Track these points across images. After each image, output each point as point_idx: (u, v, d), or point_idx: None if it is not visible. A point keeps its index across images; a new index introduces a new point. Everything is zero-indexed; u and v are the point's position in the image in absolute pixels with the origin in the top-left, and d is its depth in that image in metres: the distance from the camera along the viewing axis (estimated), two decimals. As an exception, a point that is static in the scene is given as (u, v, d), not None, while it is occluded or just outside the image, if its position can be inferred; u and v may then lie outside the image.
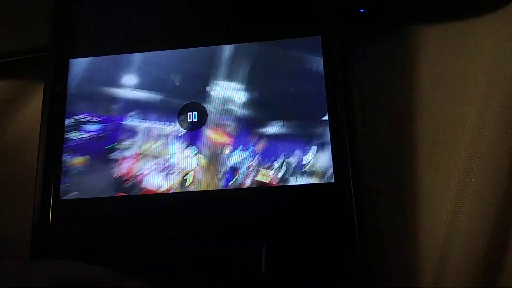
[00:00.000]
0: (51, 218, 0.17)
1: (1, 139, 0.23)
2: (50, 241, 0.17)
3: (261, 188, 0.16)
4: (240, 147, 0.17)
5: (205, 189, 0.17)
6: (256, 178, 0.17)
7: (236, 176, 0.17)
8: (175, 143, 0.17)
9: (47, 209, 0.17)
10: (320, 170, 0.16)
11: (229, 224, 0.16)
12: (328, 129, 0.16)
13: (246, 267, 0.16)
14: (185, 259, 0.16)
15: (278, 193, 0.16)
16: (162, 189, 0.17)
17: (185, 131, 0.17)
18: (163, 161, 0.17)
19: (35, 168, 0.18)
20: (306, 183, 0.16)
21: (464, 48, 0.20)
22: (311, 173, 0.16)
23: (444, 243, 0.17)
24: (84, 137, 0.18)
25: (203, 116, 0.17)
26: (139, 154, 0.17)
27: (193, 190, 0.17)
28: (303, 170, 0.16)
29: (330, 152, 0.16)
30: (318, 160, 0.16)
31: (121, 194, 0.17)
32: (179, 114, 0.17)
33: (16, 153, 0.22)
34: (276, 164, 0.16)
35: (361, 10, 0.19)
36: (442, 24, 0.21)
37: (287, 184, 0.16)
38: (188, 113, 0.17)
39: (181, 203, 0.17)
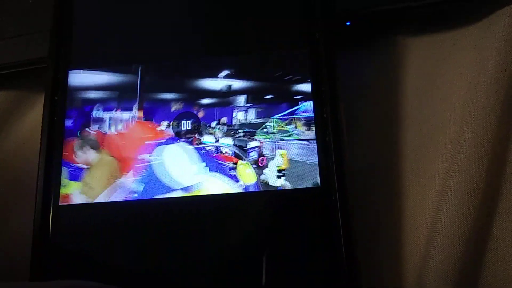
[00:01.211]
0: (51, 224, 0.17)
1: (1, 147, 0.23)
2: (51, 249, 0.17)
3: (247, 193, 0.17)
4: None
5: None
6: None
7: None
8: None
9: (47, 215, 0.18)
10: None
11: (213, 232, 0.17)
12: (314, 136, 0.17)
13: (240, 278, 0.16)
14: (183, 267, 0.17)
15: (264, 198, 0.17)
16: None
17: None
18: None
19: (33, 174, 0.18)
20: (294, 187, 0.17)
21: (445, 58, 0.21)
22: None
23: (426, 243, 0.18)
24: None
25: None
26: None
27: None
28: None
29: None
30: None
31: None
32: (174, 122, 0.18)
33: (15, 160, 0.23)
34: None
35: (348, 23, 0.20)
36: (425, 35, 0.21)
37: (274, 189, 0.17)
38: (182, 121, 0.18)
39: (185, 208, 0.17)
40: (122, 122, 0.19)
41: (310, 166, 0.17)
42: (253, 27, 0.19)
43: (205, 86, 0.18)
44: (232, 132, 0.18)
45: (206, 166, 0.18)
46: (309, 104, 0.18)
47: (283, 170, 0.17)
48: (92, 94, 0.19)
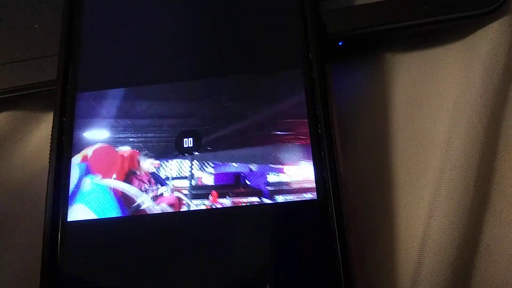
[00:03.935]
0: (60, 241, 0.18)
1: (9, 164, 0.24)
2: (60, 268, 0.18)
3: (240, 207, 0.17)
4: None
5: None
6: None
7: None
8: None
9: (56, 232, 0.18)
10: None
11: (212, 246, 0.17)
12: (310, 150, 0.18)
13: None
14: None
15: (259, 211, 0.17)
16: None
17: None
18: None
19: (40, 190, 0.19)
20: (288, 200, 0.17)
21: (434, 73, 0.22)
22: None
23: (419, 250, 0.19)
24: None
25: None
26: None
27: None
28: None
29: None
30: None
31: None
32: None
33: (22, 177, 0.24)
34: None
35: (340, 43, 0.21)
36: (415, 51, 0.23)
37: (268, 202, 0.17)
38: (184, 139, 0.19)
39: (198, 223, 0.18)
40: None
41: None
42: (247, 50, 0.20)
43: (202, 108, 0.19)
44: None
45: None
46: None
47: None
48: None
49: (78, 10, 0.21)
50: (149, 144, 0.19)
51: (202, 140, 0.19)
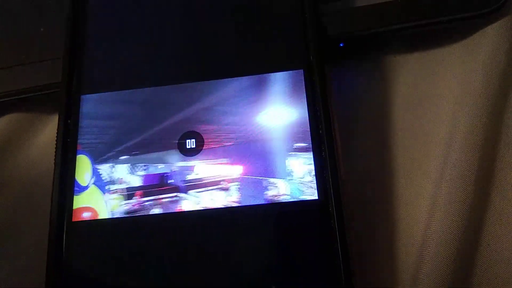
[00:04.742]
0: (65, 241, 0.18)
1: (15, 165, 0.25)
2: (65, 268, 0.18)
3: (240, 207, 0.18)
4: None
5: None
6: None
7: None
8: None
9: (61, 232, 0.18)
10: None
11: (216, 247, 0.17)
12: (311, 150, 0.18)
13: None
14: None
15: (260, 211, 0.18)
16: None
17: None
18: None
19: (44, 191, 0.19)
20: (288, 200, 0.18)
21: (435, 73, 0.22)
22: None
23: (420, 249, 0.19)
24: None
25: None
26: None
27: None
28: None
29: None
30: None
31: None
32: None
33: (27, 178, 0.24)
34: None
35: (341, 45, 0.21)
36: (416, 52, 0.23)
37: (268, 203, 0.18)
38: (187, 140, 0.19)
39: (200, 223, 0.18)
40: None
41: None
42: (245, 50, 0.20)
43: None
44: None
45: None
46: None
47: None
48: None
49: (82, 13, 0.22)
50: (151, 145, 0.19)
51: (204, 141, 0.19)
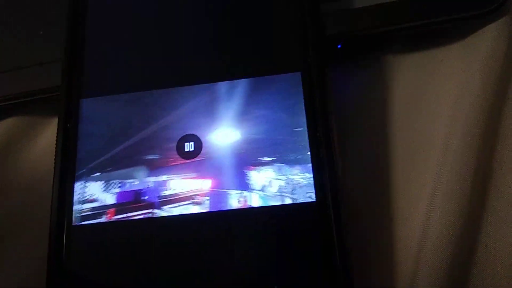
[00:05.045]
0: (65, 244, 0.18)
1: (14, 169, 0.25)
2: (65, 271, 0.18)
3: (238, 210, 0.18)
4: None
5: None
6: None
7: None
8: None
9: (62, 235, 0.18)
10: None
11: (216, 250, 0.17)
12: (309, 152, 0.18)
13: None
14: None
15: (255, 214, 0.18)
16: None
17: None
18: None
19: (44, 194, 0.19)
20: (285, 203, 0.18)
21: (434, 73, 0.22)
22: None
23: (417, 249, 0.19)
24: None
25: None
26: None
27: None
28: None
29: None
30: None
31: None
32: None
33: (27, 181, 0.24)
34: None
35: (339, 46, 0.21)
36: (415, 52, 0.23)
37: (264, 205, 0.18)
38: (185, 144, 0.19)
39: (200, 226, 0.18)
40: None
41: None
42: (242, 52, 0.20)
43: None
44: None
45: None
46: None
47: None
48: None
49: (81, 16, 0.22)
50: (152, 149, 0.19)
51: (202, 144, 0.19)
